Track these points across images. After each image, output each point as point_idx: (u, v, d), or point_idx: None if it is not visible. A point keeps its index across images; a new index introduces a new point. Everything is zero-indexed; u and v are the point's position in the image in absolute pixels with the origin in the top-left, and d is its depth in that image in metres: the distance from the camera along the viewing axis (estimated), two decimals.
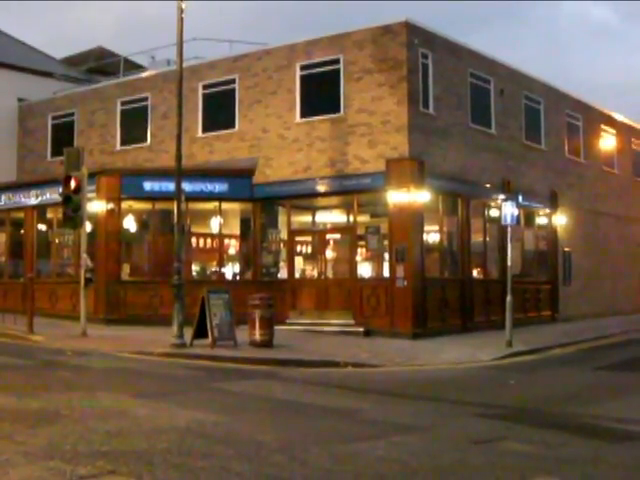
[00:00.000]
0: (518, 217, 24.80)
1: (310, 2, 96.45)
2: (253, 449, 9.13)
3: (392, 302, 24.41)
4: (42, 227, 31.71)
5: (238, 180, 27.74)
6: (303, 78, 27.15)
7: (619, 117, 38.92)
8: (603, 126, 37.35)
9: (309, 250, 29.23)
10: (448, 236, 27.48)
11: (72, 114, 34.09)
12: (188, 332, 20.21)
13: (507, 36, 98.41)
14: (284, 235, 27.71)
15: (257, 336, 20.41)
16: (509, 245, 22.57)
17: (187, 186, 23.58)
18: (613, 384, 16.68)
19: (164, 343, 20.18)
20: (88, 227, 24.43)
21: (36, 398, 12.20)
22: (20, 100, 36.51)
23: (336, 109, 26.13)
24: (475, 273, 28.31)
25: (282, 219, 28.05)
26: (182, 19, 21.14)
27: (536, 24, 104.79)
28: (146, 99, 31.35)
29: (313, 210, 28.86)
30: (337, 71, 26.24)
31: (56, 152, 32.06)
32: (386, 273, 25.46)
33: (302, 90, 27.13)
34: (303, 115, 26.98)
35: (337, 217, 29.41)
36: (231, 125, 28.74)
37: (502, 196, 23.56)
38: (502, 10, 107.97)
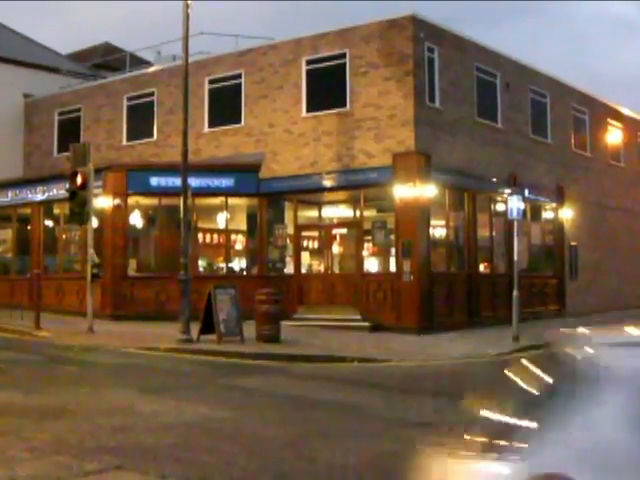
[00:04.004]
0: (524, 211, 24.74)
1: None
2: (259, 444, 9.15)
3: (398, 297, 24.38)
4: (49, 223, 31.74)
5: (244, 175, 27.73)
6: (309, 73, 27.11)
7: (625, 111, 38.80)
8: (609, 120, 37.23)
9: (315, 245, 29.22)
10: (454, 230, 27.44)
11: (78, 110, 34.10)
12: (195, 328, 20.22)
13: (525, 31, 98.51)
14: (290, 230, 27.67)
15: (264, 331, 20.39)
16: (515, 239, 22.52)
17: (193, 181, 23.58)
18: None
19: (171, 339, 20.19)
20: (95, 223, 24.42)
21: (43, 394, 12.24)
22: (26, 96, 36.51)
23: (342, 103, 26.10)
24: (482, 268, 28.26)
25: (288, 214, 28.03)
26: (188, 14, 21.13)
27: (555, 17, 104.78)
28: (152, 94, 31.34)
29: (319, 205, 28.83)
30: (343, 65, 26.20)
31: (62, 148, 32.02)
32: (392, 268, 25.41)
33: (308, 85, 27.09)
34: (309, 110, 26.94)
35: (343, 212, 29.38)
36: (237, 120, 28.71)
37: (508, 190, 23.52)
38: (520, 5, 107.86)
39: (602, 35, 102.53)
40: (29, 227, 31.80)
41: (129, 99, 32.17)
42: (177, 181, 22.55)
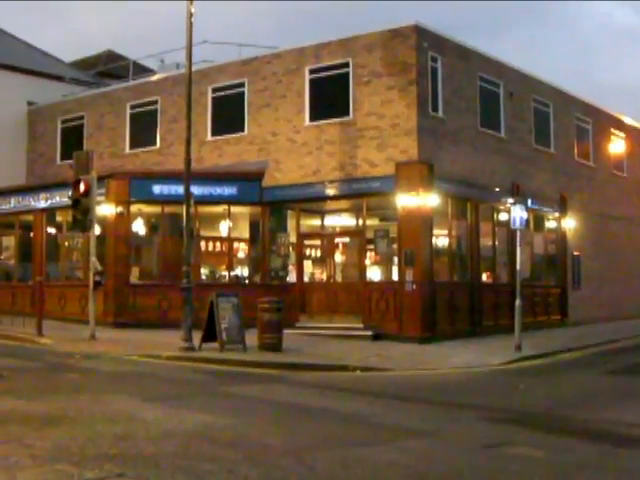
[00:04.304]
0: (527, 221, 24.74)
1: (319, 5, 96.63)
2: (261, 453, 9.12)
3: (401, 306, 24.38)
4: (51, 230, 31.78)
5: (247, 183, 27.76)
6: (312, 82, 27.16)
7: (629, 120, 38.84)
8: (612, 129, 37.28)
9: (318, 254, 29.22)
10: (457, 240, 27.43)
11: (82, 117, 34.18)
12: (197, 336, 20.21)
13: (529, 40, 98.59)
14: (293, 239, 27.71)
15: (266, 340, 20.38)
16: (518, 249, 22.50)
17: (196, 189, 23.61)
18: (623, 388, 16.60)
19: (173, 346, 20.18)
20: (97, 230, 24.46)
21: (44, 401, 12.22)
22: (30, 103, 36.61)
23: (345, 112, 26.13)
24: (484, 277, 28.26)
25: (291, 223, 28.04)
26: (192, 23, 21.16)
27: (559, 27, 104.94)
28: (155, 102, 31.40)
29: (322, 214, 28.86)
30: (346, 74, 26.24)
31: (65, 155, 32.11)
32: (395, 277, 25.44)
33: (311, 94, 27.14)
34: (312, 119, 26.99)
35: (346, 221, 29.40)
36: (240, 129, 28.76)
37: (511, 200, 23.50)
38: (524, 15, 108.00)
39: (606, 45, 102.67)
40: (32, 234, 31.85)
41: (132, 107, 32.25)
42: (180, 189, 22.58)
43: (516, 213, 22.35)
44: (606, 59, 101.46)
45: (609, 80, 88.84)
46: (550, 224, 32.66)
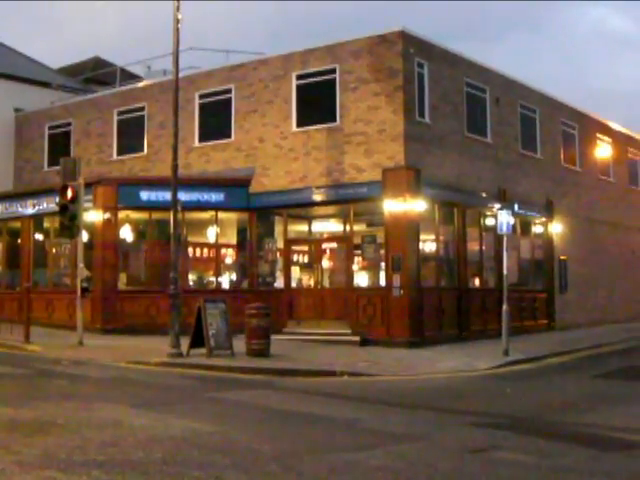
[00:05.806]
0: (514, 226, 24.82)
1: (306, 11, 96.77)
2: (249, 459, 9.14)
3: (388, 311, 24.41)
4: (39, 237, 31.72)
5: (234, 190, 27.79)
6: (299, 88, 27.21)
7: (615, 126, 39.02)
8: (599, 135, 37.45)
9: (305, 259, 29.22)
10: (444, 245, 27.50)
11: (69, 124, 34.14)
12: (185, 341, 20.20)
13: (522, 47, 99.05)
14: (280, 244, 27.71)
15: (253, 345, 20.39)
16: (505, 254, 22.56)
17: (184, 196, 23.62)
18: (610, 392, 16.67)
19: (161, 353, 20.17)
20: (85, 237, 24.42)
21: (32, 408, 12.20)
22: (17, 110, 36.54)
23: (332, 118, 26.18)
24: (471, 282, 28.31)
25: (278, 228, 28.07)
26: (178, 29, 21.18)
27: (551, 34, 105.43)
28: (142, 109, 31.40)
29: (309, 219, 28.88)
30: (333, 81, 26.30)
31: (53, 162, 32.07)
32: (382, 282, 25.43)
33: (298, 100, 27.19)
34: (299, 124, 27.02)
35: (333, 226, 29.42)
36: (227, 135, 28.78)
37: (498, 205, 23.58)
38: (518, 19, 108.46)
39: (599, 51, 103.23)
40: (19, 241, 31.78)
41: (119, 113, 32.22)
42: (167, 195, 22.58)
43: (503, 218, 22.40)
44: (599, 64, 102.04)
45: (602, 86, 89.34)
46: (537, 229, 32.76)
